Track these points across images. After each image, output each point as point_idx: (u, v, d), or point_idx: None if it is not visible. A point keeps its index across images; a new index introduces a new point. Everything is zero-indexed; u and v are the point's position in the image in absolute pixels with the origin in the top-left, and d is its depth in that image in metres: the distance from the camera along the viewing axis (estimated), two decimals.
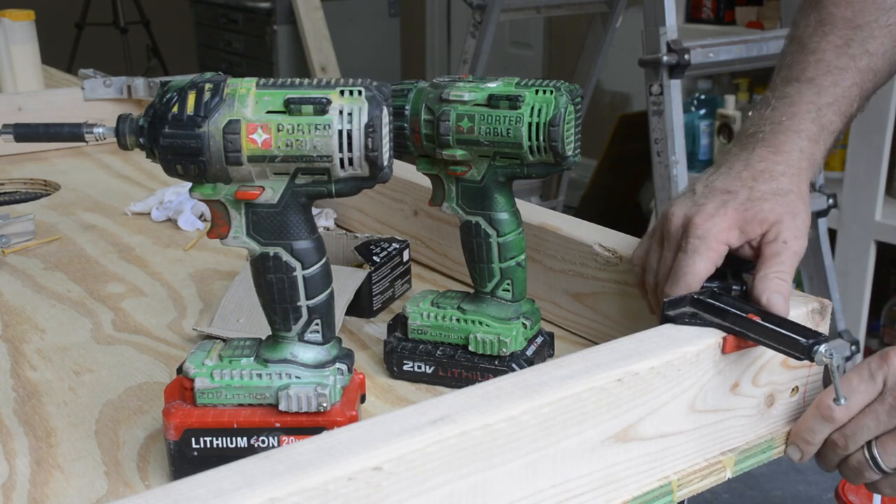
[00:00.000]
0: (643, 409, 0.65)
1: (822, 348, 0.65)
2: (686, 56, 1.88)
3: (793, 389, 0.75)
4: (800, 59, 0.84)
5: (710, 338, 0.68)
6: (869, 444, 0.71)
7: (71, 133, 0.68)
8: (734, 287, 0.74)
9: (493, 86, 0.76)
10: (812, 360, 0.65)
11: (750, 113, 0.86)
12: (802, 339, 0.65)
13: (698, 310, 0.71)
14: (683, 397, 0.67)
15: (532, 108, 0.73)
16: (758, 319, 0.68)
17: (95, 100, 1.59)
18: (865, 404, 0.71)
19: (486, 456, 0.57)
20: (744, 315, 0.68)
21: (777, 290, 0.71)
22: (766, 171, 0.77)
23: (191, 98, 0.61)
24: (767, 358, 0.72)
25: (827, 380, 0.73)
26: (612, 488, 0.65)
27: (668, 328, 0.70)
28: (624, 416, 0.64)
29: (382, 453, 0.53)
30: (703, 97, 2.94)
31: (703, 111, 2.92)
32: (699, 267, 0.73)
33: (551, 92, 0.73)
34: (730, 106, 2.85)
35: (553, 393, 0.60)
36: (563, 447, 0.61)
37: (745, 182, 0.76)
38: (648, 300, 0.80)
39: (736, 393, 0.71)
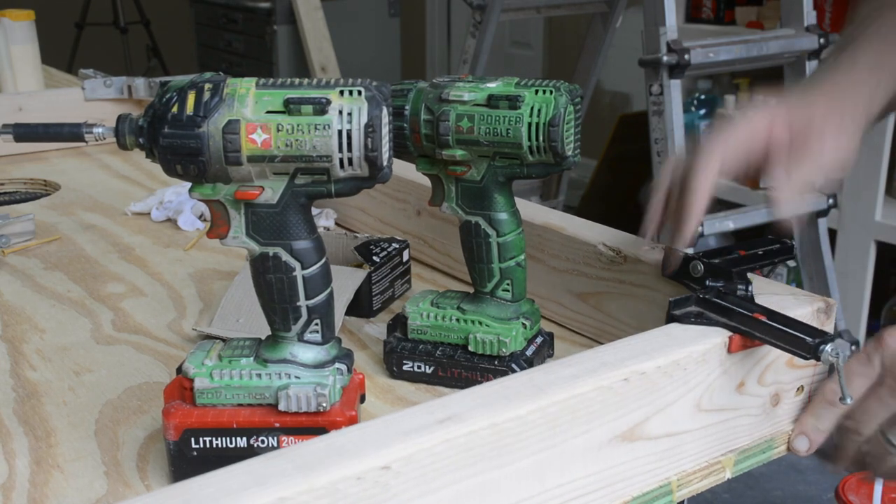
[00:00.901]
0: (650, 408, 0.65)
1: (829, 347, 0.65)
2: (686, 56, 1.88)
3: (798, 389, 0.75)
4: (851, 31, 0.83)
5: (716, 337, 0.68)
6: (883, 432, 0.71)
7: (70, 133, 0.67)
8: (739, 287, 0.74)
9: (493, 86, 0.75)
10: (818, 359, 0.65)
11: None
12: (808, 339, 0.65)
13: (704, 309, 0.71)
14: (689, 396, 0.67)
15: (532, 109, 0.73)
16: (764, 319, 0.68)
17: (96, 100, 1.58)
18: (867, 387, 0.71)
19: (493, 455, 0.57)
20: (750, 314, 0.68)
21: None
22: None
23: (190, 98, 0.61)
24: (773, 357, 0.72)
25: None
26: (619, 487, 0.65)
27: (674, 327, 0.70)
28: (630, 416, 0.64)
29: (391, 452, 0.53)
30: (703, 97, 2.94)
31: (703, 111, 2.92)
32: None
33: (551, 92, 0.73)
34: (730, 106, 2.85)
35: (560, 392, 0.60)
36: (570, 446, 0.61)
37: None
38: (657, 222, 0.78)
39: (742, 392, 0.71)
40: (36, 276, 1.05)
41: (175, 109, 0.61)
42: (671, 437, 0.67)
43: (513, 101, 0.73)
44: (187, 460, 0.65)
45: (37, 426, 0.74)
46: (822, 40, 2.04)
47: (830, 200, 2.09)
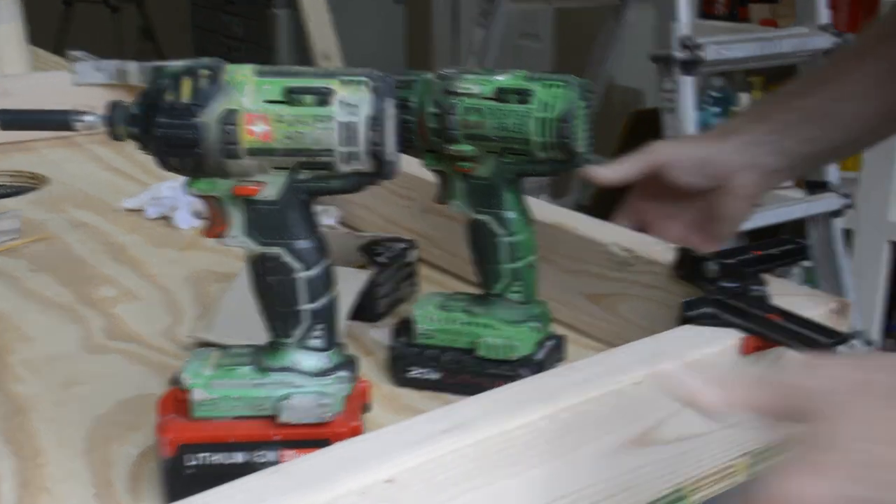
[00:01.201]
0: (662, 412, 0.64)
1: (844, 348, 0.65)
2: (699, 52, 1.87)
3: None
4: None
5: (730, 339, 0.68)
6: None
7: (58, 121, 0.65)
8: (753, 287, 0.74)
9: (502, 79, 0.73)
10: None
11: None
12: (824, 339, 0.66)
13: (718, 310, 0.71)
14: None
15: (542, 103, 0.71)
16: (778, 319, 0.68)
17: (86, 84, 1.53)
18: None
19: (503, 464, 0.57)
20: (764, 315, 0.69)
21: None
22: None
23: (186, 85, 0.58)
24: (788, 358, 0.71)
25: None
26: (632, 493, 0.64)
27: (687, 329, 0.70)
28: (643, 420, 0.63)
29: (396, 465, 0.52)
30: (716, 95, 2.92)
31: (716, 109, 2.89)
32: None
33: (562, 86, 0.71)
34: (744, 104, 2.82)
35: (571, 398, 0.59)
36: (581, 453, 0.60)
37: None
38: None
39: None
40: (22, 278, 1.01)
41: (170, 97, 0.58)
42: (685, 442, 0.66)
43: (523, 95, 0.72)
44: (183, 478, 0.62)
45: (24, 445, 0.70)
46: (836, 39, 2.03)
47: (845, 200, 2.08)
